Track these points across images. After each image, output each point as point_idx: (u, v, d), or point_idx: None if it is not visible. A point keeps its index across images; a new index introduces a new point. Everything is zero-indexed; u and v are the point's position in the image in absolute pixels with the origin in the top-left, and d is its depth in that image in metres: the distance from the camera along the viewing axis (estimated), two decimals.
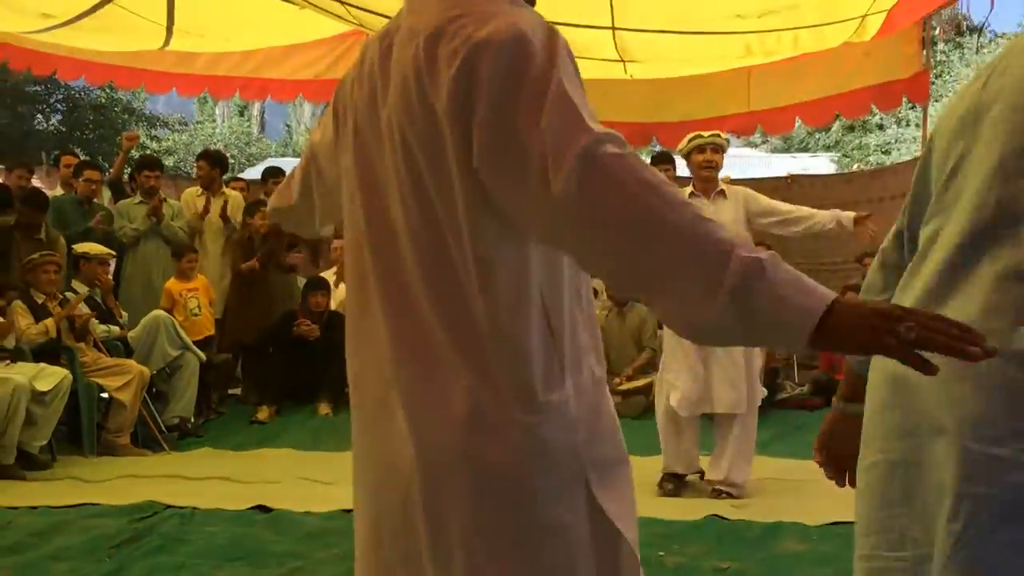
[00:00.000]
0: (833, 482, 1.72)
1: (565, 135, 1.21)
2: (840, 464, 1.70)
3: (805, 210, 5.08)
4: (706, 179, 5.02)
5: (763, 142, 29.58)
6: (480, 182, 1.28)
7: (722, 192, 5.02)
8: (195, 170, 8.89)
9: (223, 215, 7.87)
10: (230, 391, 7.72)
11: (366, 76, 1.47)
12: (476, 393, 1.33)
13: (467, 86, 1.26)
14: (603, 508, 1.39)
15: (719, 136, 5.10)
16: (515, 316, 1.34)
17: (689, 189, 5.06)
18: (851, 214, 5.01)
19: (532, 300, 1.35)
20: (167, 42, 8.12)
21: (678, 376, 4.95)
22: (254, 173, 19.27)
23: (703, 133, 5.06)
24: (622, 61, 7.98)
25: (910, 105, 14.07)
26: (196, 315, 7.32)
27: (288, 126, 35.72)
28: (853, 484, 1.58)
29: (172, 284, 7.34)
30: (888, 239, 1.68)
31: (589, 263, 1.30)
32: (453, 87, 1.27)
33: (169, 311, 7.11)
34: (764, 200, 5.07)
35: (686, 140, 5.11)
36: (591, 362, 1.46)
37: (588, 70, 8.38)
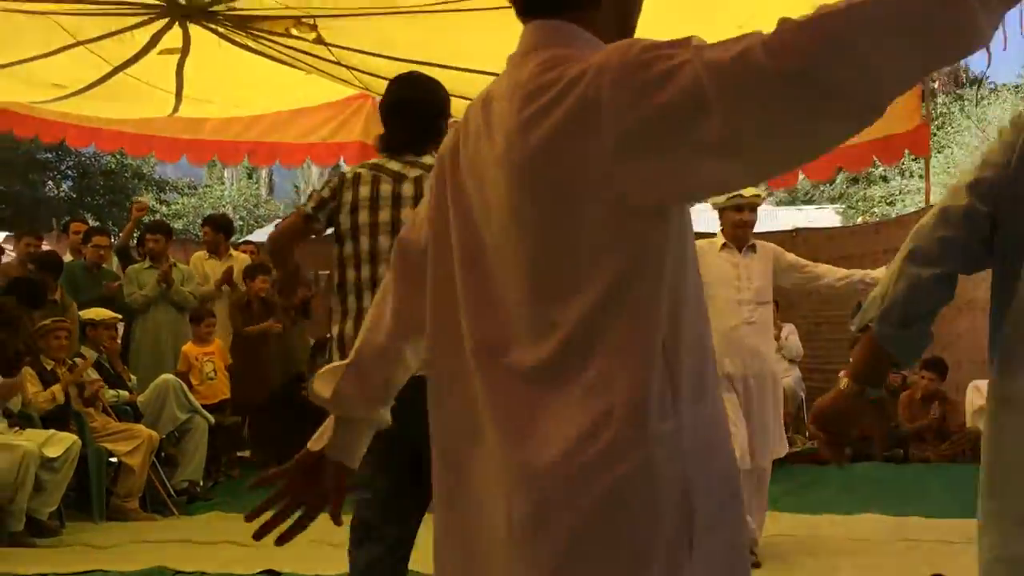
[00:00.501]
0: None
1: (719, 49, 1.14)
2: (840, 442, 1.71)
3: (832, 270, 5.12)
4: (740, 237, 4.99)
5: (769, 194, 29.71)
6: (618, 197, 1.23)
7: (752, 246, 4.99)
8: (202, 234, 8.98)
9: (228, 280, 7.94)
10: (239, 453, 7.71)
11: (471, 137, 1.44)
12: (588, 427, 1.24)
13: (585, 104, 1.22)
14: None
15: (759, 197, 5.09)
16: (636, 332, 1.26)
17: (720, 240, 5.00)
18: (881, 270, 5.01)
19: (658, 316, 1.26)
20: (176, 108, 8.23)
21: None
22: (263, 235, 19.39)
23: (744, 192, 4.94)
24: None
25: (912, 157, 14.16)
26: (212, 379, 7.37)
27: (296, 187, 35.99)
28: (845, 461, 1.58)
29: (189, 348, 7.44)
30: (953, 213, 1.68)
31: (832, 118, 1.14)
32: (569, 112, 1.24)
33: (186, 374, 7.18)
34: (791, 257, 5.11)
35: (725, 196, 4.98)
36: (711, 393, 1.36)
37: None
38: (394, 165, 3.11)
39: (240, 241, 10.88)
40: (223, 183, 32.01)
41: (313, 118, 8.83)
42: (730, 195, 4.94)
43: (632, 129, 1.19)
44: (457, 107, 2.73)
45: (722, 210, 5.02)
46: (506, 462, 1.32)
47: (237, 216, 28.47)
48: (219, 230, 8.31)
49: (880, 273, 5.01)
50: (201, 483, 6.78)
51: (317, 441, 1.65)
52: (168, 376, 6.93)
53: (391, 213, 3.04)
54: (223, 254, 8.23)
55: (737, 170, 1.21)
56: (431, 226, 1.50)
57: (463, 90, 5.24)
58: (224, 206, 28.02)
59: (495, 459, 1.34)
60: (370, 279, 3.03)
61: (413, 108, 3.17)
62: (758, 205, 5.07)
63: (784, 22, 1.10)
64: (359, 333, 1.67)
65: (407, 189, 3.05)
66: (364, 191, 3.09)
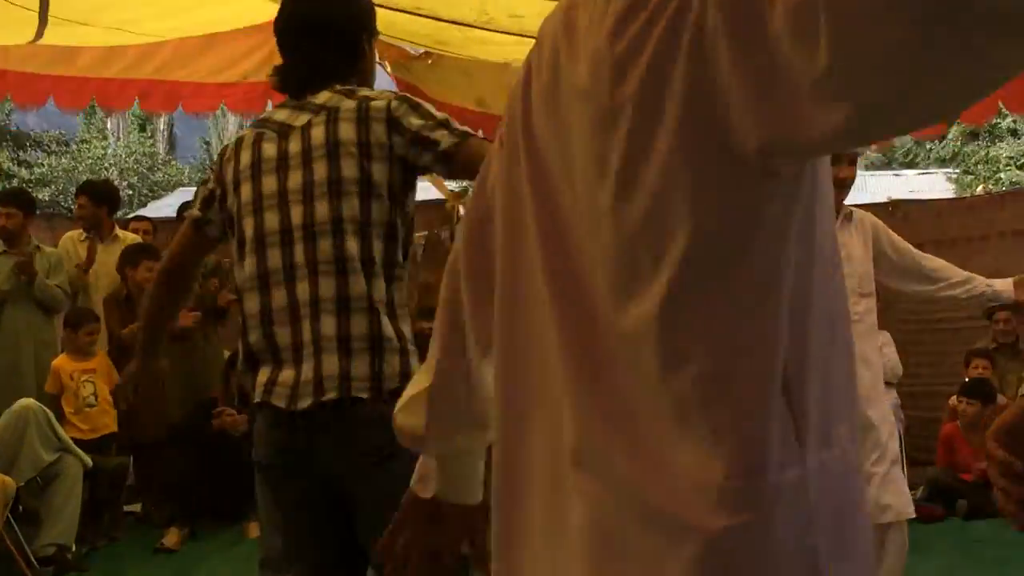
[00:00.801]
0: None
1: None
2: None
3: (949, 268, 5.09)
4: (836, 201, 4.87)
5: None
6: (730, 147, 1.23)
7: (849, 215, 4.95)
8: (76, 208, 8.96)
9: (119, 269, 7.92)
10: (127, 508, 7.69)
11: (545, 64, 1.47)
12: (682, 471, 1.27)
13: (690, 31, 1.24)
14: None
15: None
16: (749, 362, 1.27)
17: None
18: (1009, 280, 5.01)
19: (776, 340, 1.27)
20: (40, 34, 8.18)
21: None
22: (162, 207, 19.35)
23: None
24: None
25: None
26: (92, 406, 7.38)
27: (207, 143, 36.01)
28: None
29: (62, 362, 7.43)
30: None
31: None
32: (671, 39, 1.25)
33: (56, 399, 7.15)
34: (896, 238, 5.07)
35: None
36: (843, 435, 1.38)
37: None
38: (281, 114, 3.08)
39: (130, 217, 10.86)
40: (105, 138, 32.00)
41: (230, 48, 8.77)
42: None
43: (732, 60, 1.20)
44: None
45: None
46: (579, 488, 1.37)
47: (125, 183, 28.46)
48: (100, 201, 8.30)
49: (1003, 285, 5.02)
50: (73, 548, 6.76)
51: (424, 487, 1.86)
52: (29, 401, 6.91)
53: (276, 180, 2.98)
54: (106, 234, 8.21)
55: (851, 118, 1.14)
56: (501, 198, 1.54)
57: None
58: (107, 169, 28.00)
59: (574, 514, 1.38)
60: (255, 275, 2.97)
61: (311, 28, 3.11)
62: (858, 157, 5.03)
63: None
64: (433, 343, 1.83)
65: (293, 145, 2.99)
66: (245, 158, 3.06)
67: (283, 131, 3.02)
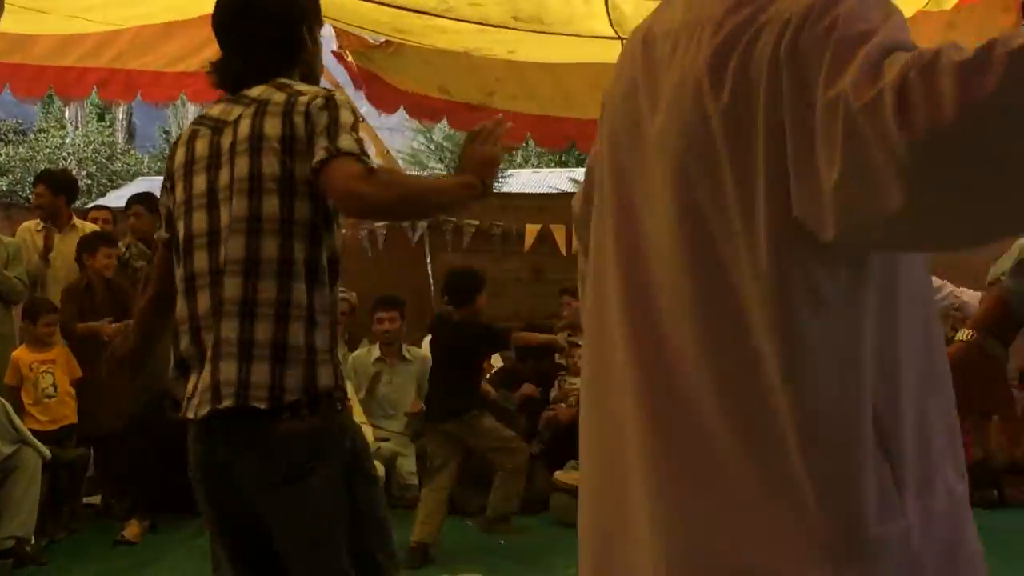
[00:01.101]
0: None
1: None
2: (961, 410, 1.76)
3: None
4: None
5: None
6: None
7: None
8: (34, 197, 8.87)
9: (77, 258, 7.85)
10: (86, 500, 7.63)
11: (625, 80, 1.50)
12: (774, 526, 1.23)
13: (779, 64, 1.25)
14: None
15: None
16: (837, 410, 1.23)
17: None
18: (978, 294, 5.01)
19: (863, 385, 1.24)
20: None
21: None
22: (121, 197, 19.25)
23: None
24: (619, 39, 8.08)
25: None
26: (51, 397, 7.31)
27: (167, 132, 35.80)
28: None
29: (21, 353, 7.37)
30: None
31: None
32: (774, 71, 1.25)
33: (15, 391, 7.10)
34: None
35: None
36: (948, 475, 1.36)
37: (575, 51, 8.52)
38: (216, 109, 2.98)
39: (88, 206, 10.77)
40: (64, 127, 31.76)
41: (191, 35, 8.69)
42: None
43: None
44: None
45: None
46: (655, 544, 1.34)
47: (84, 172, 28.26)
48: (58, 191, 8.22)
49: (971, 297, 5.05)
50: (32, 541, 6.70)
51: None
52: None
53: (206, 179, 2.88)
54: (64, 224, 8.13)
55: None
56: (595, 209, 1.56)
57: None
58: (65, 158, 27.77)
59: (642, 543, 1.37)
60: (183, 277, 2.89)
61: (245, 20, 2.99)
62: None
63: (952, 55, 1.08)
64: None
65: (225, 140, 2.88)
66: (180, 156, 2.98)
67: (217, 127, 2.92)
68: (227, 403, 2.67)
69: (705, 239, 1.31)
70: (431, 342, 7.12)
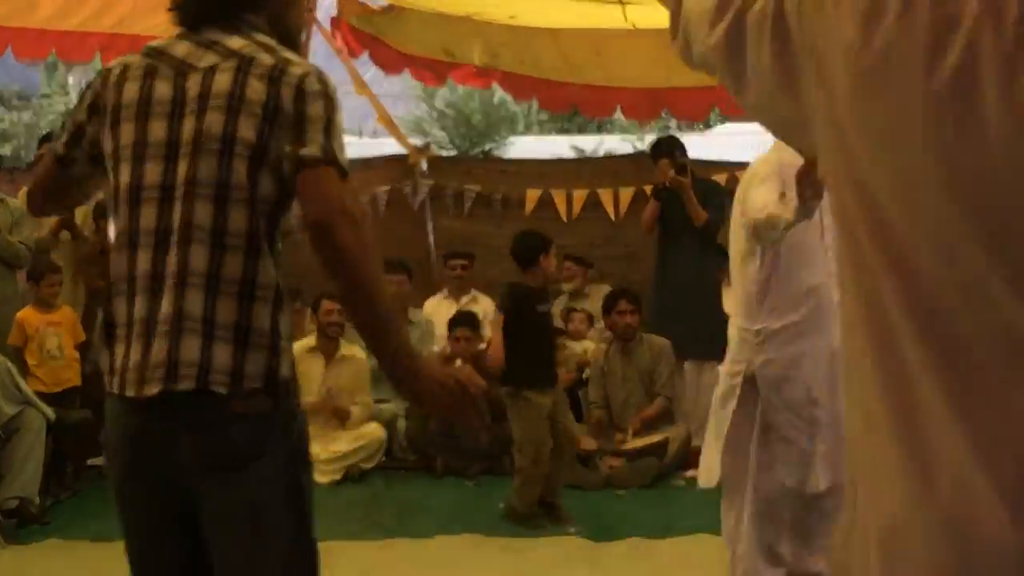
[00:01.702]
0: None
1: None
2: None
3: None
4: None
5: None
6: None
7: None
8: (37, 159, 8.86)
9: (69, 225, 7.88)
10: (90, 462, 7.66)
11: None
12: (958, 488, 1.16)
13: None
14: None
15: None
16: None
17: (775, 156, 4.68)
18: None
19: None
20: None
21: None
22: None
23: None
24: (620, 3, 8.06)
25: None
26: (56, 358, 7.33)
27: None
28: None
29: (27, 314, 7.39)
30: None
31: None
32: None
33: (20, 351, 7.13)
34: None
35: None
36: None
37: (575, 16, 8.50)
38: (180, 48, 2.67)
39: None
40: (67, 93, 31.65)
41: None
42: None
43: None
44: None
45: None
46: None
47: None
48: None
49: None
50: (37, 501, 6.71)
51: None
52: None
53: (167, 127, 2.58)
54: None
55: None
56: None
57: None
58: None
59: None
60: (126, 231, 2.59)
61: None
62: None
63: None
64: None
65: (192, 87, 2.58)
66: (130, 92, 2.63)
67: (182, 70, 2.61)
68: (185, 385, 2.45)
69: None
70: (506, 311, 6.69)
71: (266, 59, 2.56)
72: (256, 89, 2.52)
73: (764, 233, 4.50)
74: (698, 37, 1.51)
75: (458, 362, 7.63)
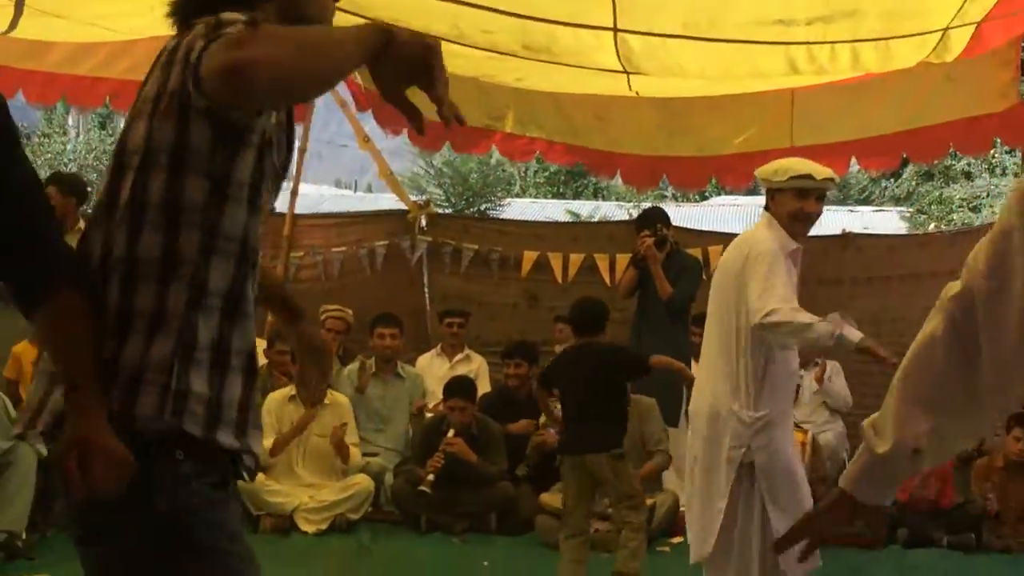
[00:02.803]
0: None
1: None
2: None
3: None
4: (801, 235, 4.88)
5: None
6: None
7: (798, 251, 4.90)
8: None
9: None
10: None
11: None
12: None
13: None
14: None
15: (832, 181, 4.95)
16: None
17: (772, 240, 4.81)
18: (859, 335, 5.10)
19: None
20: (14, 24, 8.12)
21: None
22: None
23: (815, 174, 4.81)
24: (625, 73, 8.19)
25: (1005, 149, 14.40)
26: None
27: None
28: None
29: (23, 349, 7.44)
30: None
31: None
32: None
33: (15, 384, 7.16)
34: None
35: (786, 175, 4.83)
36: None
37: (582, 82, 8.62)
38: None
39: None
40: (65, 133, 31.74)
41: None
42: (797, 172, 4.81)
43: None
44: None
45: (775, 190, 4.90)
46: None
47: (85, 178, 28.25)
48: (69, 192, 8.28)
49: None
50: (24, 536, 6.75)
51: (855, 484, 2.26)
52: None
53: (123, 129, 2.33)
54: (72, 225, 8.22)
55: None
56: None
57: None
58: (66, 164, 27.78)
59: None
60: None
61: None
62: (825, 194, 4.95)
63: None
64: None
65: (149, 86, 2.26)
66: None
67: (152, 66, 2.31)
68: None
69: None
70: (558, 373, 6.48)
71: (184, 39, 2.19)
72: (151, 82, 2.24)
73: (781, 339, 4.67)
74: None
75: (451, 433, 7.69)
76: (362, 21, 6.11)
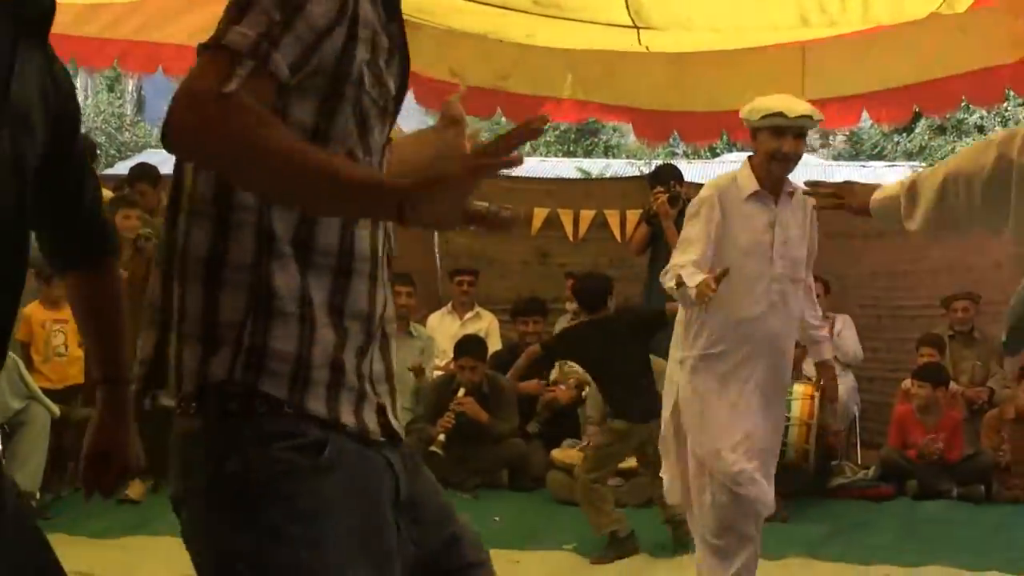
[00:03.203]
0: None
1: None
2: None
3: (811, 298, 5.09)
4: (777, 176, 4.77)
5: (823, 144, 29.92)
6: None
7: (792, 193, 4.80)
8: None
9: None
10: None
11: None
12: None
13: None
14: None
15: (810, 119, 4.80)
16: None
17: (710, 187, 4.88)
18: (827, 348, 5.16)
19: None
20: None
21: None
22: (128, 168, 19.33)
23: (788, 111, 4.66)
24: (635, 28, 8.16)
25: (1018, 101, 14.31)
26: (61, 355, 7.42)
27: None
28: None
29: (34, 310, 7.44)
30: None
31: None
32: None
33: (26, 347, 7.21)
34: (815, 240, 5.02)
35: (759, 114, 4.71)
36: None
37: (592, 38, 8.59)
38: None
39: (98, 174, 10.84)
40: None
41: (215, 7, 8.50)
42: (768, 111, 4.70)
43: None
44: None
45: (755, 131, 4.81)
46: None
47: (93, 140, 28.26)
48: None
49: (817, 353, 5.20)
50: (38, 496, 6.80)
51: None
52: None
53: None
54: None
55: None
56: None
57: None
58: None
59: None
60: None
61: None
62: (806, 131, 4.84)
63: None
64: None
65: None
66: None
67: None
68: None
69: None
70: (570, 348, 6.77)
71: None
72: None
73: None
74: None
75: (461, 392, 7.70)
76: None
